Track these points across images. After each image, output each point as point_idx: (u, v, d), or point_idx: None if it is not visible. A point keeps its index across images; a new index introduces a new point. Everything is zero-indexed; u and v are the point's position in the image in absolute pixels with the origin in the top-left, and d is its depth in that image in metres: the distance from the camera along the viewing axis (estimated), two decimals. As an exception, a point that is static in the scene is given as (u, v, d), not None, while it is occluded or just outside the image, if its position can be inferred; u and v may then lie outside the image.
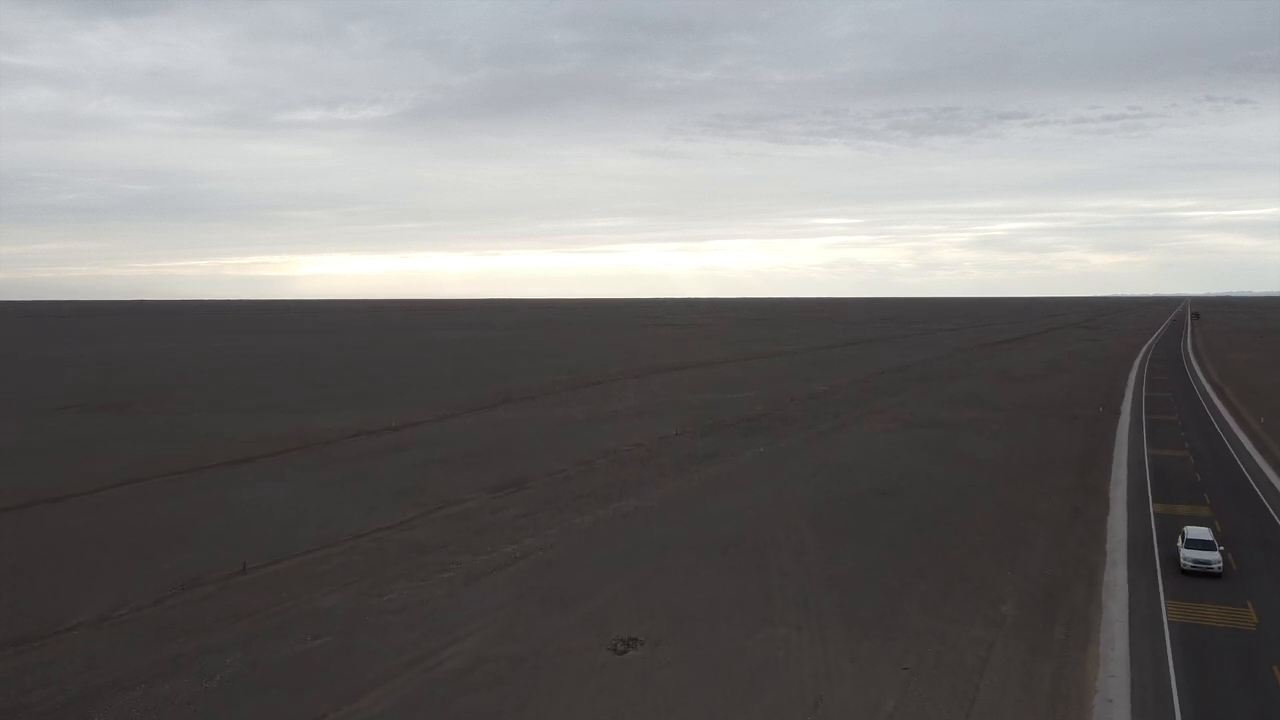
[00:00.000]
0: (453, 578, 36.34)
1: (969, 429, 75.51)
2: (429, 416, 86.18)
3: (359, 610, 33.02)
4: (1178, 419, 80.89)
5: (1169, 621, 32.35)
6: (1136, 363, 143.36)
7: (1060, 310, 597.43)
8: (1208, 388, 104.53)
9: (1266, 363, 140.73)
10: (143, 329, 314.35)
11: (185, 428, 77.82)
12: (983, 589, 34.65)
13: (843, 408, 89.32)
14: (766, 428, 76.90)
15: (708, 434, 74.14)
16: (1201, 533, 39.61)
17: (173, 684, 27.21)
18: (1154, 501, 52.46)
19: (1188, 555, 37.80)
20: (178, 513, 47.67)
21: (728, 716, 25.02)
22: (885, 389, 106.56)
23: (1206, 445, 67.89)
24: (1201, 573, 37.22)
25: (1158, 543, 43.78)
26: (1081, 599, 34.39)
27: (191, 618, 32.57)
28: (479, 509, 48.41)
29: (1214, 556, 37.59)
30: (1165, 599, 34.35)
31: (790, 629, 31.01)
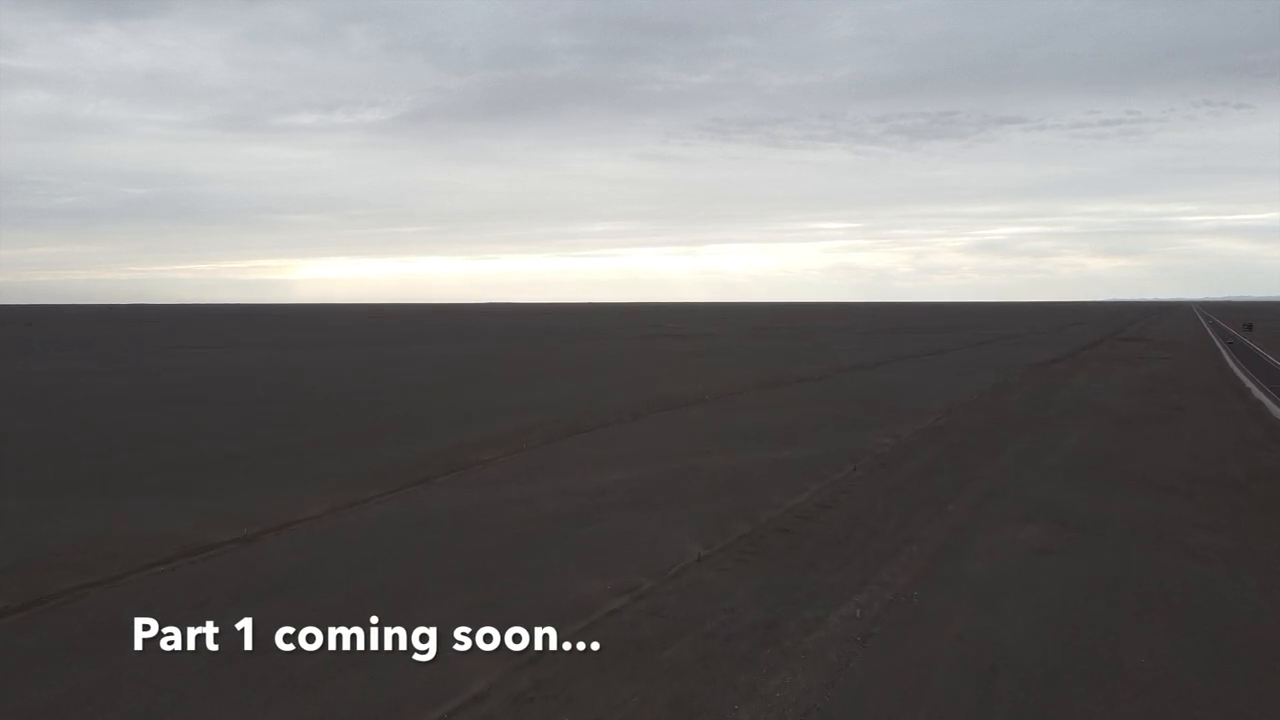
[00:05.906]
0: None
1: (1164, 542, 47.18)
2: (320, 506, 56.90)
3: None
4: None
5: None
6: (1254, 391, 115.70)
7: (1071, 316, 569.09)
8: None
9: None
10: (97, 339, 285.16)
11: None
12: None
13: (934, 486, 60.94)
14: (840, 537, 48.47)
15: (749, 556, 45.66)
16: None
17: None
18: None
19: None
20: None
21: None
22: (970, 443, 78.22)
23: None
24: None
25: None
26: None
27: None
28: None
29: None
30: None
31: None
